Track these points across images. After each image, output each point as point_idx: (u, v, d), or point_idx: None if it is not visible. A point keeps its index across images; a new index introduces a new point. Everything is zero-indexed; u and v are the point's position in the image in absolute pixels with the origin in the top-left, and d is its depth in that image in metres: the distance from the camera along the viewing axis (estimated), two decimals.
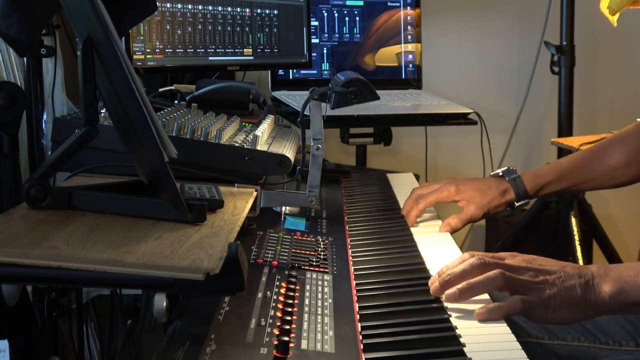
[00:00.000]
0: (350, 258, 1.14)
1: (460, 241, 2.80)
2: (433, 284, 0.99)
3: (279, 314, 0.87)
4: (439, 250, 1.22)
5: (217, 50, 1.72)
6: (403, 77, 2.39)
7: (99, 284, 0.77)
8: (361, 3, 2.35)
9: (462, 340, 0.86)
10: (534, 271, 0.98)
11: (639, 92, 2.91)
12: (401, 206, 1.44)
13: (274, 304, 0.90)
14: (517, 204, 1.43)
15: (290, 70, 2.22)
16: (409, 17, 2.40)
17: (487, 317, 0.93)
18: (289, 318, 0.87)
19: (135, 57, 1.52)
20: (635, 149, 1.45)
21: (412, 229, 1.32)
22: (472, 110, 2.12)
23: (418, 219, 1.39)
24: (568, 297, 0.96)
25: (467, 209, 1.39)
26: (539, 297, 0.96)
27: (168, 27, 1.59)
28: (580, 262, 2.40)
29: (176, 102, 1.48)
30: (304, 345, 0.81)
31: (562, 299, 0.96)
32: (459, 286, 0.96)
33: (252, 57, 1.82)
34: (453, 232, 1.35)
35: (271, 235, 1.16)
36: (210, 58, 1.70)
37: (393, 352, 0.83)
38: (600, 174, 1.46)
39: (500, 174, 1.45)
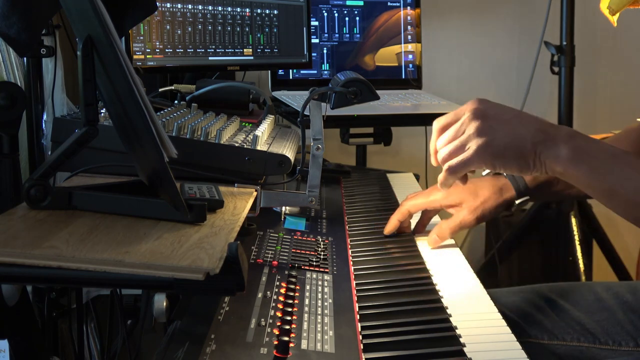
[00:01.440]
0: (350, 258, 1.14)
1: (460, 241, 2.80)
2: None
3: (279, 314, 0.87)
4: (439, 250, 1.22)
5: (217, 50, 1.72)
6: (403, 77, 2.39)
7: (99, 284, 0.77)
8: (361, 3, 2.35)
9: (462, 340, 0.86)
10: (487, 120, 0.98)
11: (639, 92, 2.91)
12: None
13: (274, 304, 0.90)
14: (517, 202, 1.31)
15: (290, 70, 2.22)
16: (409, 17, 2.40)
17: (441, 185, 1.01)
18: (289, 318, 0.87)
19: (135, 57, 1.52)
20: (633, 152, 1.41)
21: (412, 229, 1.32)
22: None
23: (417, 218, 1.32)
24: (516, 147, 0.96)
25: (457, 214, 1.26)
26: (477, 146, 0.97)
27: (168, 27, 1.59)
28: (580, 262, 2.40)
29: (176, 102, 1.48)
30: (304, 345, 0.81)
31: (504, 147, 0.96)
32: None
33: (252, 57, 1.83)
34: (442, 242, 1.24)
35: (271, 235, 1.16)
36: (210, 58, 1.70)
37: (393, 352, 0.83)
38: None
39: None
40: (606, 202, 1.01)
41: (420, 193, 1.31)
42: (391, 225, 1.27)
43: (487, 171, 1.35)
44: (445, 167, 1.00)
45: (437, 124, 1.04)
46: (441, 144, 1.01)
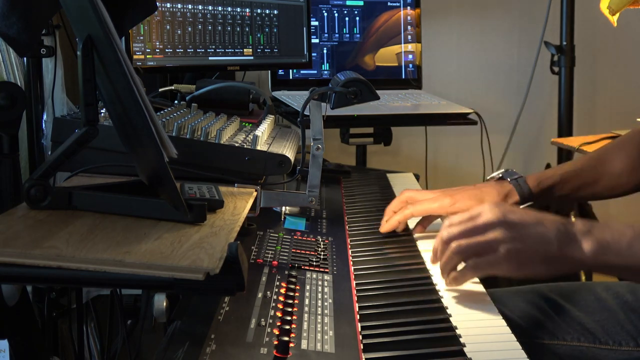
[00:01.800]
0: (350, 258, 1.14)
1: None
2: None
3: (279, 314, 0.87)
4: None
5: (217, 50, 1.72)
6: (403, 77, 2.39)
7: (99, 284, 0.77)
8: (361, 3, 2.35)
9: (462, 340, 0.86)
10: (509, 224, 0.97)
11: (639, 92, 2.91)
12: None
13: (274, 304, 0.90)
14: (521, 207, 1.28)
15: (290, 70, 2.22)
16: (409, 17, 2.40)
17: (454, 284, 0.99)
18: (289, 318, 0.87)
19: (135, 57, 1.52)
20: (637, 157, 1.39)
21: (412, 228, 1.32)
22: (472, 110, 2.12)
23: (417, 218, 1.30)
24: (541, 252, 0.96)
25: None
26: (503, 252, 0.96)
27: (168, 27, 1.59)
28: None
29: (176, 102, 1.48)
30: (304, 345, 0.81)
31: (533, 253, 0.96)
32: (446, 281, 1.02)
33: (252, 57, 1.83)
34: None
35: (271, 235, 1.16)
36: (210, 58, 1.70)
37: (393, 352, 0.83)
38: (603, 180, 1.39)
39: (500, 175, 1.34)
40: None
41: (424, 195, 1.30)
42: (391, 226, 1.26)
43: (491, 176, 1.36)
44: (470, 263, 0.98)
45: (449, 221, 1.03)
46: (456, 232, 1.00)
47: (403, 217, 1.26)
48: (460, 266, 1.01)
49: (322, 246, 1.15)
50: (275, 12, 1.89)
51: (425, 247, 1.22)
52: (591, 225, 0.99)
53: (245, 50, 1.80)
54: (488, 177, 1.37)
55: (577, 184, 1.37)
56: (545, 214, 1.01)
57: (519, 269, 0.96)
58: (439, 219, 1.32)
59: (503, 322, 0.93)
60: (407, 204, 1.28)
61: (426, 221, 1.30)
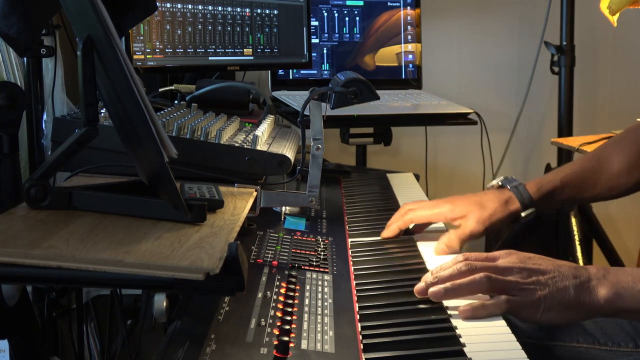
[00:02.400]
0: (350, 258, 1.14)
1: None
2: (419, 284, 0.98)
3: (279, 314, 0.87)
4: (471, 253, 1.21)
5: (217, 50, 1.72)
6: (403, 77, 2.39)
7: (99, 284, 0.77)
8: (361, 3, 2.35)
9: (462, 340, 0.86)
10: (527, 271, 0.97)
11: (639, 92, 2.91)
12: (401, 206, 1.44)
13: (274, 304, 0.90)
14: (523, 214, 1.29)
15: (290, 70, 2.22)
16: (409, 17, 2.40)
17: (470, 315, 0.93)
18: (289, 318, 0.87)
19: (135, 57, 1.52)
20: (634, 154, 1.39)
21: (412, 228, 1.32)
22: (472, 110, 2.12)
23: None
24: (560, 298, 0.96)
25: (465, 224, 1.24)
26: (528, 298, 0.95)
27: (168, 27, 1.59)
28: (580, 262, 2.40)
29: (176, 102, 1.48)
30: (304, 345, 0.81)
31: (553, 299, 0.95)
32: (444, 285, 0.95)
33: (252, 57, 1.83)
34: (452, 253, 1.20)
35: (271, 235, 1.16)
36: (210, 58, 1.70)
37: (393, 352, 0.83)
38: (602, 181, 1.38)
39: (500, 183, 1.33)
40: None
41: (424, 204, 1.30)
42: (391, 232, 1.26)
43: (491, 184, 1.35)
44: (503, 299, 0.95)
45: (463, 256, 1.01)
46: (480, 265, 0.98)
47: (403, 223, 1.27)
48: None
49: (322, 246, 1.15)
50: (275, 12, 1.89)
51: (426, 248, 1.22)
52: (605, 270, 0.99)
53: (245, 50, 1.80)
54: (488, 186, 1.36)
55: (578, 187, 1.36)
56: (559, 260, 1.00)
57: (542, 315, 0.96)
58: (440, 224, 1.33)
59: (503, 323, 0.93)
60: (408, 210, 1.28)
61: (425, 225, 1.31)
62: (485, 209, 1.26)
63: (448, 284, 0.96)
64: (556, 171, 1.39)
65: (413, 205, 1.30)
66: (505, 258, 1.00)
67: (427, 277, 0.99)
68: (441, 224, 1.34)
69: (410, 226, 1.30)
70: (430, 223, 1.31)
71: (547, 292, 0.96)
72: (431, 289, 0.96)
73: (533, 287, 0.96)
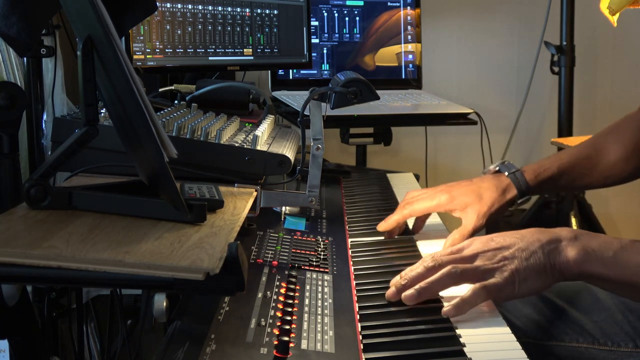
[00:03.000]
0: (350, 258, 1.14)
1: None
2: (390, 289, 0.97)
3: (279, 314, 0.87)
4: (439, 250, 1.22)
5: (217, 50, 1.72)
6: (403, 77, 2.39)
7: (99, 284, 0.77)
8: (361, 3, 2.35)
9: (462, 340, 0.86)
10: (492, 251, 0.97)
11: (639, 92, 2.92)
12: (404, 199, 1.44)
13: (274, 304, 0.90)
14: (519, 201, 1.30)
15: (290, 70, 2.22)
16: (409, 17, 2.40)
17: (454, 314, 0.92)
18: (289, 318, 0.87)
19: (135, 57, 1.52)
20: (631, 142, 1.38)
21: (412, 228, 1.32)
22: (472, 110, 2.12)
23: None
24: (532, 266, 0.95)
25: (466, 220, 1.24)
26: (502, 277, 0.94)
27: (168, 27, 1.59)
28: None
29: (176, 102, 1.48)
30: (304, 345, 0.81)
31: (526, 269, 0.95)
32: (416, 286, 0.95)
33: (252, 57, 1.83)
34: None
35: (271, 235, 1.16)
36: (210, 58, 1.70)
37: (393, 352, 0.83)
38: (598, 169, 1.38)
39: (497, 169, 1.32)
40: (628, 294, 1.02)
41: (423, 196, 1.29)
42: (389, 225, 1.26)
43: (488, 169, 1.35)
44: (477, 286, 0.94)
45: (431, 255, 1.00)
46: (446, 259, 0.98)
47: (401, 217, 1.26)
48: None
49: (322, 246, 1.15)
50: (275, 12, 1.89)
51: (426, 248, 1.22)
52: (578, 232, 0.99)
53: (245, 50, 1.80)
54: (484, 170, 1.36)
55: (574, 175, 1.36)
56: (523, 230, 1.00)
57: (519, 288, 0.95)
58: (438, 220, 1.33)
59: (503, 322, 0.93)
60: (406, 204, 1.28)
61: (423, 217, 1.31)
62: (483, 199, 1.25)
63: (421, 284, 0.95)
64: (553, 158, 1.38)
65: (411, 198, 1.30)
66: (470, 247, 1.00)
67: (395, 281, 0.98)
68: (440, 222, 1.35)
69: (410, 225, 1.30)
70: (429, 214, 1.31)
71: (517, 264, 0.95)
72: (404, 294, 0.94)
73: (502, 264, 0.95)
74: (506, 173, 1.30)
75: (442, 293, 0.98)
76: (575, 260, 0.96)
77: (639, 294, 0.99)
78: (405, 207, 1.27)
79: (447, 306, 0.93)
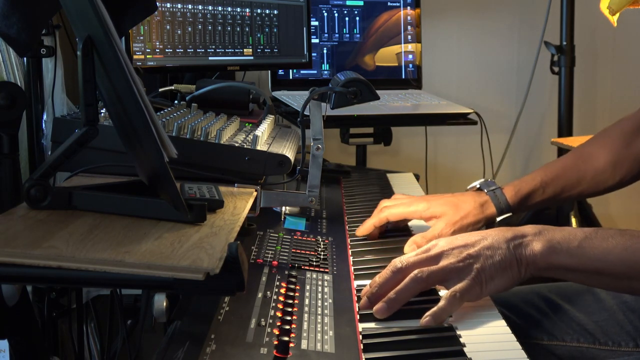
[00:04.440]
0: (350, 258, 1.14)
1: None
2: (362, 299, 0.97)
3: (279, 314, 0.87)
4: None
5: (217, 50, 1.72)
6: (403, 77, 2.39)
7: (99, 284, 0.77)
8: (361, 3, 2.35)
9: (462, 340, 0.86)
10: (457, 250, 0.97)
11: (639, 92, 2.92)
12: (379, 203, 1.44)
13: (274, 304, 0.90)
14: (498, 219, 1.28)
15: (290, 70, 2.22)
16: (409, 17, 2.40)
17: (433, 323, 0.91)
18: (289, 318, 0.87)
19: (135, 57, 1.52)
20: (620, 148, 1.35)
21: (412, 228, 1.32)
22: (472, 110, 2.12)
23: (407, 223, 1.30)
24: (497, 263, 0.95)
25: (435, 226, 1.23)
26: (467, 276, 0.94)
27: (168, 27, 1.59)
28: None
29: (176, 102, 1.48)
30: (304, 345, 0.81)
31: (491, 267, 0.95)
32: (385, 299, 0.93)
33: (252, 57, 1.83)
34: None
35: (271, 235, 1.16)
36: (210, 58, 1.70)
37: (393, 352, 0.83)
38: (587, 178, 1.35)
39: (478, 186, 1.31)
40: (596, 282, 1.02)
41: (401, 201, 1.29)
42: (366, 230, 1.25)
43: (471, 186, 1.33)
44: (450, 294, 0.93)
45: (398, 259, 1.00)
46: (412, 261, 0.97)
47: (378, 221, 1.25)
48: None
49: (322, 246, 1.15)
50: (275, 12, 1.89)
51: None
52: (542, 227, 0.98)
53: (245, 50, 1.80)
54: (468, 187, 1.35)
55: (561, 185, 1.33)
56: (488, 229, 1.00)
57: (486, 287, 0.95)
58: (420, 222, 1.31)
59: (503, 322, 0.93)
60: (384, 207, 1.27)
61: (400, 224, 1.31)
62: (459, 210, 1.24)
63: (390, 295, 0.93)
64: (536, 172, 1.36)
65: (389, 202, 1.29)
66: (435, 246, 0.99)
67: (365, 290, 0.97)
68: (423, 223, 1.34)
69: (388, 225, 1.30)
70: (407, 220, 1.30)
71: (483, 262, 0.95)
72: (375, 308, 0.93)
73: (467, 263, 0.95)
74: (485, 190, 1.29)
75: (442, 289, 0.98)
76: (542, 253, 0.96)
77: (606, 280, 0.97)
78: (383, 211, 1.26)
79: (425, 317, 0.91)
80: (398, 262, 0.98)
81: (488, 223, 1.28)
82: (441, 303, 0.92)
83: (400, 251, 1.19)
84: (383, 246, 1.22)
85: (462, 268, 0.95)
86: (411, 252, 1.13)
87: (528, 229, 0.98)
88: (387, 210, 1.26)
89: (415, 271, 0.95)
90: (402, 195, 1.35)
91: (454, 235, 1.16)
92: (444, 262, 0.96)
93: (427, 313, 0.92)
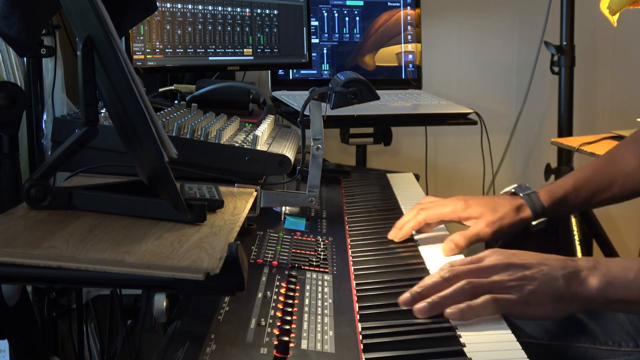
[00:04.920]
0: (350, 258, 1.14)
1: None
2: (405, 294, 0.96)
3: (279, 314, 0.87)
4: (439, 250, 1.22)
5: (217, 50, 1.72)
6: (403, 77, 2.39)
7: (99, 284, 0.77)
8: (361, 3, 2.35)
9: (462, 340, 0.86)
10: (512, 268, 0.96)
11: (639, 92, 2.91)
12: (401, 206, 1.44)
13: (274, 304, 0.90)
14: (534, 223, 1.28)
15: (290, 70, 2.22)
16: (409, 17, 2.40)
17: (458, 318, 0.91)
18: (289, 318, 0.87)
19: (135, 57, 1.52)
20: None
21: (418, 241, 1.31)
22: (472, 110, 2.12)
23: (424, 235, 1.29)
24: (550, 291, 0.94)
25: (474, 226, 1.24)
26: (517, 294, 0.93)
27: (168, 27, 1.59)
28: None
29: (176, 102, 1.48)
30: (304, 345, 0.81)
31: (543, 293, 0.94)
32: (429, 299, 0.93)
33: (252, 57, 1.83)
34: (459, 252, 1.20)
35: (271, 235, 1.16)
36: (210, 58, 1.70)
37: (393, 352, 0.83)
38: (617, 181, 1.34)
39: (513, 190, 1.32)
40: None
41: (437, 202, 1.29)
42: (405, 234, 1.24)
43: (505, 190, 1.34)
44: (489, 298, 0.92)
45: (448, 263, 1.00)
46: (463, 270, 0.97)
47: (417, 224, 1.25)
48: None
49: (322, 246, 1.15)
50: (275, 12, 1.89)
51: (426, 247, 1.22)
52: (595, 260, 0.98)
53: (245, 50, 1.80)
54: (502, 192, 1.35)
55: (592, 190, 1.33)
56: (546, 254, 0.99)
57: (531, 310, 0.94)
58: (443, 226, 1.32)
59: (503, 323, 0.93)
60: (421, 209, 1.27)
61: (432, 226, 1.30)
62: (496, 212, 1.25)
63: (434, 298, 0.93)
64: (568, 176, 1.36)
65: (425, 204, 1.29)
66: (490, 257, 0.98)
67: (413, 290, 0.97)
68: (444, 228, 1.33)
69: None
70: (443, 222, 1.30)
71: (536, 286, 0.94)
72: (417, 306, 0.93)
73: (520, 283, 0.94)
74: (521, 194, 1.30)
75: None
76: (599, 288, 0.95)
77: None
78: (420, 213, 1.26)
79: (452, 308, 0.91)
80: (448, 271, 0.96)
81: (523, 225, 1.28)
82: (475, 302, 0.92)
83: (400, 251, 1.19)
84: (383, 246, 1.22)
85: (513, 286, 0.94)
86: (449, 250, 1.17)
87: (582, 262, 0.97)
88: (424, 213, 1.25)
89: (464, 282, 0.94)
90: (432, 197, 1.34)
91: (493, 234, 1.22)
92: (495, 277, 0.95)
93: (457, 306, 0.91)
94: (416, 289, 0.96)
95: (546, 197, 1.29)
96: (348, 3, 2.33)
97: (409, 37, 2.39)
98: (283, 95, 2.13)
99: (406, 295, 0.96)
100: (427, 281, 0.97)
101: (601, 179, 1.34)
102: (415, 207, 1.29)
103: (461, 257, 1.16)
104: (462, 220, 1.27)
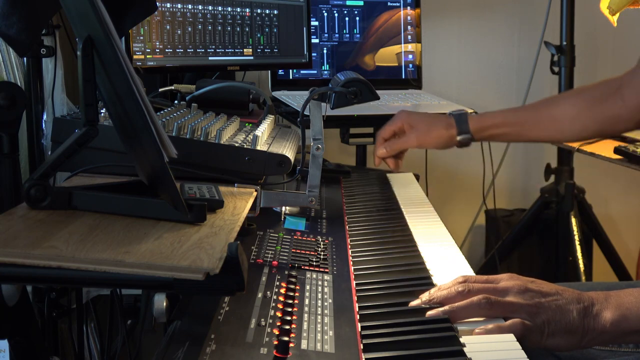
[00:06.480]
0: (350, 258, 1.14)
1: (460, 241, 2.80)
2: (416, 300, 0.96)
3: (279, 314, 0.87)
4: (439, 250, 1.22)
5: (217, 50, 1.72)
6: (403, 77, 2.39)
7: (99, 284, 0.77)
8: (361, 3, 2.35)
9: (462, 340, 0.86)
10: (529, 293, 0.95)
11: None
12: (401, 206, 1.44)
13: (274, 304, 0.90)
14: (458, 138, 1.55)
15: (290, 70, 2.22)
16: (409, 17, 2.40)
17: (483, 333, 0.90)
18: (289, 318, 0.87)
19: (135, 57, 1.52)
20: (587, 104, 1.46)
21: (412, 228, 1.31)
22: (472, 110, 2.12)
23: (417, 218, 1.35)
24: (564, 323, 0.93)
25: (406, 136, 1.56)
26: (534, 321, 0.92)
27: (168, 27, 1.59)
28: (580, 262, 2.40)
29: (176, 102, 1.48)
30: (304, 345, 0.81)
31: (557, 324, 0.93)
32: (442, 309, 0.92)
33: (252, 57, 1.83)
34: (387, 157, 1.60)
35: (271, 235, 1.16)
36: (210, 58, 1.70)
37: (393, 352, 0.83)
38: (543, 122, 1.51)
39: (450, 113, 1.59)
40: None
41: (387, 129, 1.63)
42: (379, 154, 1.62)
43: (449, 112, 1.63)
44: (517, 321, 0.91)
45: (463, 277, 0.99)
46: (479, 287, 0.95)
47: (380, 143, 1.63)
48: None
49: (322, 246, 1.15)
50: (275, 12, 1.89)
51: (426, 247, 1.22)
52: (606, 294, 0.97)
53: (245, 50, 1.80)
54: (447, 113, 1.62)
55: (519, 124, 1.53)
56: (561, 286, 0.99)
57: (546, 339, 0.93)
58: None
59: (503, 322, 0.93)
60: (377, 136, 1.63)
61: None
62: (431, 128, 1.57)
63: (446, 308, 0.92)
64: (504, 110, 1.62)
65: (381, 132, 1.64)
66: (507, 281, 0.97)
67: (424, 296, 0.96)
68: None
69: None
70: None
71: (550, 315, 0.93)
72: (429, 313, 0.93)
73: (536, 310, 0.93)
74: (453, 113, 1.58)
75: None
76: (612, 322, 0.94)
77: None
78: (378, 136, 1.63)
79: (480, 329, 0.90)
80: (463, 285, 0.95)
81: (451, 140, 1.58)
82: (505, 324, 0.90)
83: (400, 251, 1.19)
84: (383, 246, 1.22)
85: (529, 312, 0.93)
86: (377, 161, 1.58)
87: (594, 295, 0.96)
88: (381, 132, 1.61)
89: (482, 296, 0.93)
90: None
91: (418, 145, 1.59)
92: (512, 299, 0.94)
93: (484, 327, 0.90)
94: (431, 297, 0.95)
95: (474, 120, 1.56)
96: (348, 3, 2.33)
97: (409, 37, 2.39)
98: (283, 95, 2.13)
99: (417, 302, 0.95)
100: (439, 292, 0.95)
101: (530, 117, 1.55)
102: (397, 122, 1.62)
103: (469, 269, 1.15)
104: (405, 128, 1.58)
